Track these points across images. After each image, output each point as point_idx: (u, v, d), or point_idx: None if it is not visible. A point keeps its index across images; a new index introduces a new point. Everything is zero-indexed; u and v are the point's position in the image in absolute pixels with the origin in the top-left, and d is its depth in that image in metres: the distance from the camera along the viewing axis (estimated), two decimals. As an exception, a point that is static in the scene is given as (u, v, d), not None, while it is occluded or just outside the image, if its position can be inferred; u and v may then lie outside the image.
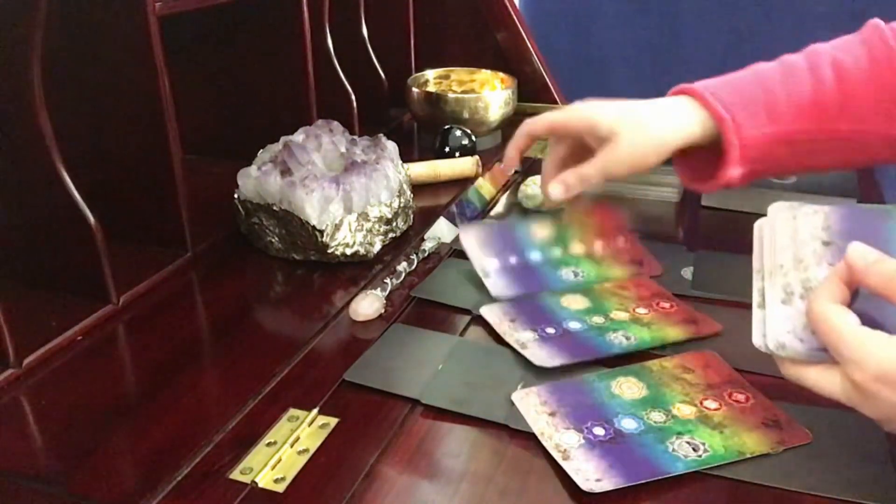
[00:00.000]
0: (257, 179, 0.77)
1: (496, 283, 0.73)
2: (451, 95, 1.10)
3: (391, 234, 0.82)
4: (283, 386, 0.60)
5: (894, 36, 0.68)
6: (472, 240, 0.76)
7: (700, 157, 0.72)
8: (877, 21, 0.70)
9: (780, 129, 0.69)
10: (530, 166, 1.06)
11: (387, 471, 0.51)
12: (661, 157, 0.70)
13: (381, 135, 0.86)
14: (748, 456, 0.51)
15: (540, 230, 0.79)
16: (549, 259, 0.76)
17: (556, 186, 0.71)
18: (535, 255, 0.76)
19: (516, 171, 1.03)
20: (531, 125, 0.73)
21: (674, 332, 0.65)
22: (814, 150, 0.71)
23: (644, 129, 0.70)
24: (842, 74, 0.68)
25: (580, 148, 0.72)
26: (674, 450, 0.52)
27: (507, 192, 0.98)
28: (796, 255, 0.48)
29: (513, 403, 0.57)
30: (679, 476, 0.50)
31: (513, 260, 0.75)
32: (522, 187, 0.91)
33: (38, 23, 0.61)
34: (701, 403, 0.56)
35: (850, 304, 0.46)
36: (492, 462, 0.52)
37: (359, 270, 0.77)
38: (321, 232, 0.75)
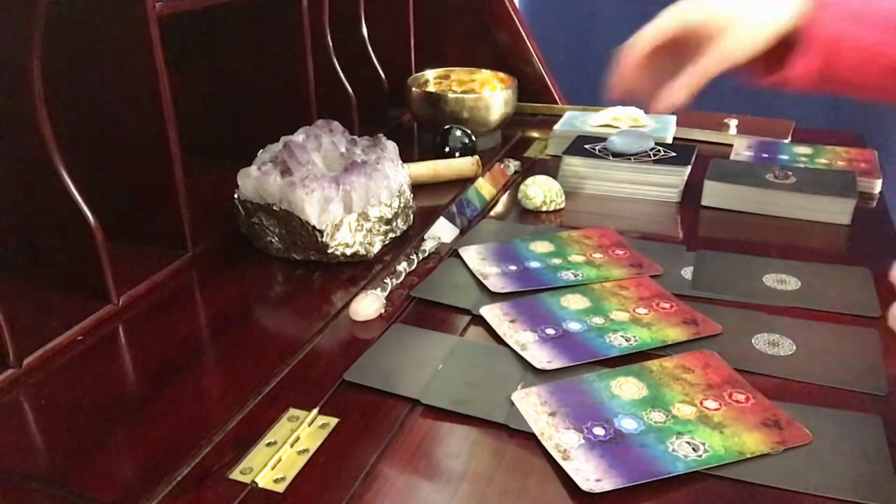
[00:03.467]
0: (257, 179, 0.77)
1: (495, 283, 0.73)
2: (451, 95, 1.10)
3: (391, 234, 0.82)
4: (283, 386, 0.60)
5: None
6: (472, 254, 0.78)
7: (772, 54, 0.70)
8: None
9: (858, 35, 0.67)
10: (530, 166, 1.06)
11: (387, 471, 0.51)
12: (776, 34, 0.68)
13: (381, 135, 0.86)
14: (748, 456, 0.51)
15: (539, 246, 0.80)
16: (548, 265, 0.77)
17: (680, 90, 0.69)
18: (534, 264, 0.77)
19: (516, 172, 1.03)
20: (635, 51, 0.73)
21: (674, 333, 0.65)
22: (875, 69, 0.68)
23: (748, 29, 0.68)
24: None
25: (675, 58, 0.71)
26: (674, 450, 0.52)
27: (507, 192, 0.98)
28: None
29: (513, 403, 0.57)
30: (679, 476, 0.50)
31: (512, 267, 0.76)
32: (522, 187, 0.91)
33: (38, 23, 0.61)
34: (701, 403, 0.56)
35: None
36: (492, 462, 0.52)
37: (359, 270, 0.77)
38: (321, 232, 0.75)
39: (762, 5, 0.69)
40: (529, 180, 0.91)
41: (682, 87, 0.70)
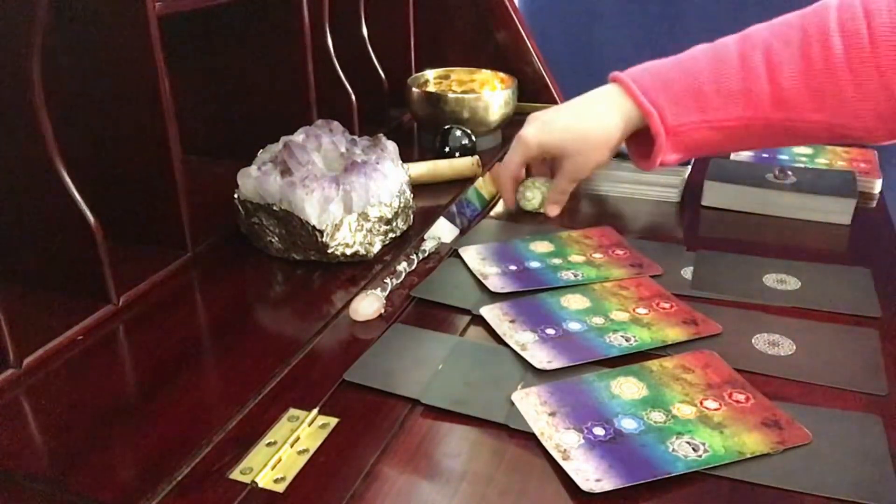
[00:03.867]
0: (257, 179, 0.77)
1: (495, 283, 0.73)
2: (451, 95, 1.10)
3: (391, 234, 0.82)
4: (283, 386, 0.60)
5: (839, 20, 0.68)
6: (472, 254, 0.79)
7: (643, 137, 0.79)
8: (826, 3, 0.71)
9: (710, 117, 0.73)
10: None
11: (387, 471, 0.51)
12: (611, 151, 0.82)
13: (381, 135, 0.86)
14: (748, 456, 0.51)
15: (539, 246, 0.80)
16: (548, 265, 0.77)
17: (552, 208, 0.88)
18: (534, 264, 0.77)
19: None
20: (509, 170, 0.88)
21: (674, 333, 0.65)
22: (749, 135, 0.74)
23: (586, 137, 0.81)
24: (772, 64, 0.70)
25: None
26: (674, 450, 0.52)
27: (507, 192, 0.98)
28: None
29: (513, 403, 0.57)
30: (679, 476, 0.50)
31: (512, 267, 0.76)
32: (521, 188, 0.91)
33: (39, 23, 0.61)
34: (701, 403, 0.56)
35: None
36: (492, 462, 0.52)
37: (359, 270, 0.77)
38: (321, 232, 0.75)
39: (593, 126, 0.80)
40: (528, 181, 0.91)
41: (552, 203, 0.88)
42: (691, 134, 0.75)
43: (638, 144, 0.83)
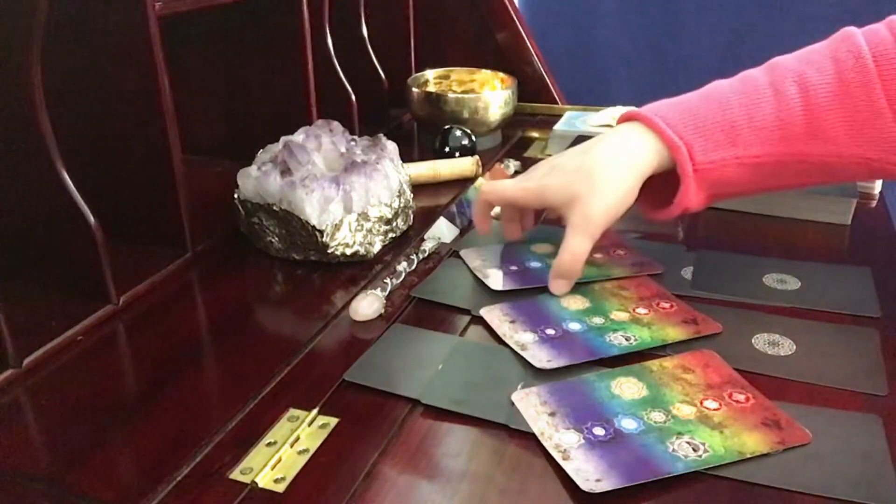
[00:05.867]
0: (257, 179, 0.77)
1: (496, 282, 0.73)
2: (451, 95, 1.10)
3: (391, 234, 0.82)
4: (283, 386, 0.60)
5: (870, 46, 0.63)
6: (472, 255, 0.78)
7: (658, 183, 0.69)
8: (850, 31, 0.66)
9: (743, 152, 0.65)
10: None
11: (387, 471, 0.51)
12: (629, 199, 0.68)
13: (381, 135, 0.86)
14: (748, 456, 0.51)
15: (540, 248, 0.80)
16: (548, 265, 0.76)
17: (558, 285, 0.71)
18: (535, 264, 0.77)
19: (516, 172, 1.03)
20: (489, 195, 0.75)
21: (674, 333, 0.65)
22: (780, 172, 0.67)
23: (601, 186, 0.66)
24: (808, 94, 0.64)
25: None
26: (674, 450, 0.52)
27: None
28: None
29: (513, 403, 0.57)
30: (679, 476, 0.50)
31: (513, 267, 0.76)
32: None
33: (39, 23, 0.61)
34: (701, 403, 0.56)
35: None
36: (492, 462, 0.52)
37: (359, 270, 0.77)
38: (321, 232, 0.75)
39: (608, 171, 0.66)
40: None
41: (556, 277, 0.70)
42: (720, 172, 0.66)
43: (653, 192, 0.70)
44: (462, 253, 0.79)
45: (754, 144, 0.65)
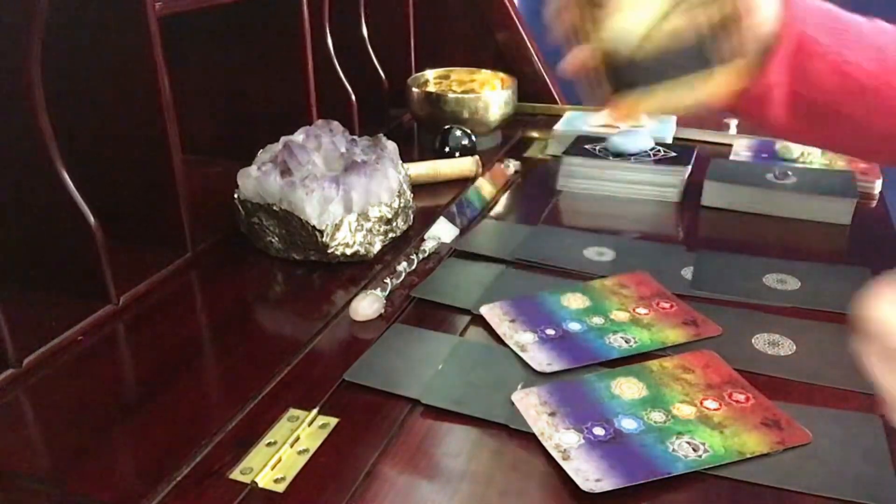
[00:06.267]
0: (257, 179, 0.77)
1: (538, 357, 0.63)
2: (451, 95, 1.10)
3: (391, 234, 0.82)
4: (283, 386, 0.60)
5: None
6: (496, 314, 0.69)
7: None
8: None
9: (843, 51, 0.60)
10: (531, 166, 1.06)
11: (387, 471, 0.51)
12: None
13: (381, 135, 0.86)
14: (748, 456, 0.51)
15: (573, 301, 0.71)
16: (590, 326, 0.67)
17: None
18: (573, 325, 0.67)
19: (516, 172, 1.03)
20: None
21: (673, 335, 0.65)
22: (859, 99, 0.61)
23: None
24: None
25: None
26: (674, 450, 0.52)
27: (507, 192, 0.98)
28: None
29: (513, 403, 0.56)
30: (679, 476, 0.50)
31: (549, 331, 0.66)
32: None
33: (39, 23, 0.61)
34: (701, 403, 0.56)
35: None
36: (492, 462, 0.52)
37: (359, 270, 0.77)
38: (321, 232, 0.75)
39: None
40: None
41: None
42: (818, 61, 0.60)
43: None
44: (482, 311, 0.69)
45: (857, 51, 0.61)
